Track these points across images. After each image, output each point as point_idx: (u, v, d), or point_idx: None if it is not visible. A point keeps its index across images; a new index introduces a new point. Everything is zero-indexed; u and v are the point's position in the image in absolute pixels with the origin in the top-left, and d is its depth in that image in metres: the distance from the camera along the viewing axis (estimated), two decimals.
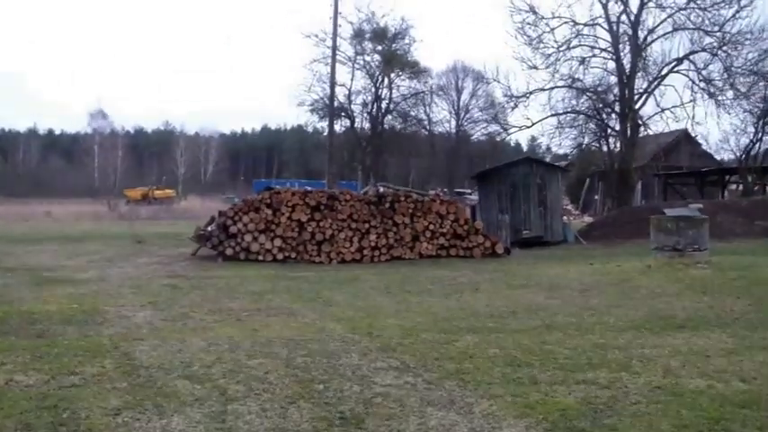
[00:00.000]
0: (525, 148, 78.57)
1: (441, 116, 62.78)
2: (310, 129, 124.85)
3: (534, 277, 15.77)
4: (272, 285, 14.45)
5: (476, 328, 9.84)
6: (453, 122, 68.04)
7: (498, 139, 43.89)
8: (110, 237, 27.65)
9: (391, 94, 37.17)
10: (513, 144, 66.10)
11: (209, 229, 20.27)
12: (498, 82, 35.21)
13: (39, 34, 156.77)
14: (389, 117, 38.15)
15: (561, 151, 40.46)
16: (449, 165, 63.50)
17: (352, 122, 37.52)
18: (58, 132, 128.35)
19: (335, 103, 35.07)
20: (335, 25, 34.01)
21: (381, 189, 21.03)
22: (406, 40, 38.08)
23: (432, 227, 20.25)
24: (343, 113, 37.53)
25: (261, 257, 19.09)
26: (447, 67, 64.02)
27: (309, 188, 20.46)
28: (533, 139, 72.00)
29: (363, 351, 8.32)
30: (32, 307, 11.16)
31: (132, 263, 18.80)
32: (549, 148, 49.49)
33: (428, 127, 55.74)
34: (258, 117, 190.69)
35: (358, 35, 36.90)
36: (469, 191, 45.92)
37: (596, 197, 50.69)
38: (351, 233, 19.57)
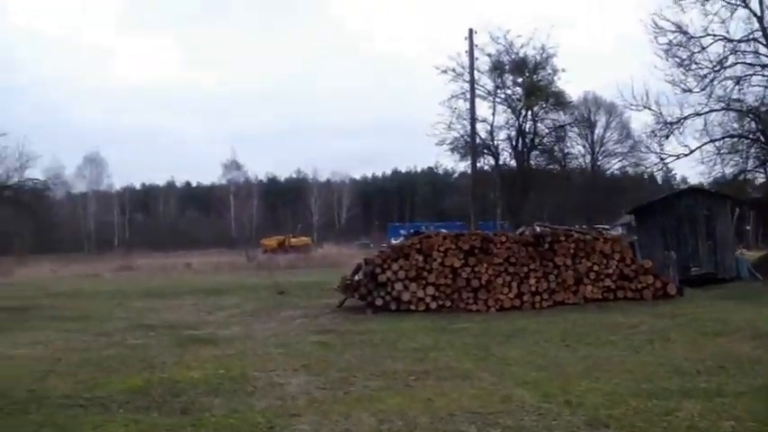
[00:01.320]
0: (660, 181, 74.71)
1: (575, 150, 59.94)
2: (441, 170, 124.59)
3: (729, 322, 13.86)
4: (433, 340, 12.99)
5: (688, 390, 8.21)
6: (588, 157, 65.51)
7: (656, 170, 40.15)
8: (249, 288, 26.82)
9: (535, 128, 34.99)
10: (645, 177, 62.58)
11: (355, 278, 18.97)
12: (649, 109, 32.64)
13: (169, 91, 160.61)
14: (535, 152, 35.97)
15: (706, 180, 37.09)
16: (584, 200, 61.04)
17: (497, 159, 35.53)
18: (194, 184, 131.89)
19: (477, 140, 33.35)
20: (472, 58, 32.52)
21: (538, 229, 19.34)
22: (548, 70, 35.97)
23: (596, 268, 18.40)
24: (485, 150, 35.63)
25: (413, 307, 17.66)
26: (578, 98, 61.20)
27: (462, 232, 18.88)
28: (668, 170, 68.10)
29: (569, 428, 6.79)
30: (176, 373, 10.03)
31: (276, 317, 17.72)
32: (684, 179, 45.72)
33: (563, 162, 53.32)
34: (389, 160, 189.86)
35: (497, 67, 35.05)
36: (608, 227, 43.49)
37: (747, 227, 47.41)
38: (509, 278, 17.94)
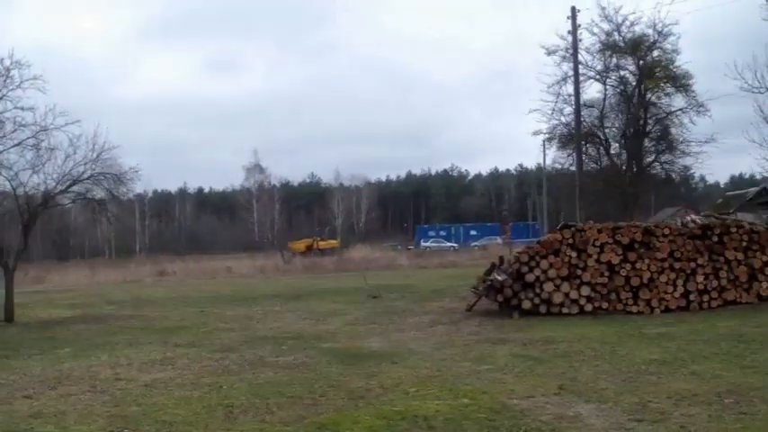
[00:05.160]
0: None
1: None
2: (455, 173, 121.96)
3: None
4: (660, 350, 10.48)
5: None
6: None
7: None
8: (334, 292, 24.30)
9: (646, 115, 31.65)
10: None
11: (494, 277, 16.45)
12: None
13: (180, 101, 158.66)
14: (646, 141, 32.51)
15: None
16: None
17: (607, 149, 32.09)
18: (206, 190, 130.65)
19: (583, 128, 30.46)
20: (575, 39, 29.74)
21: (699, 219, 16.89)
22: (667, 47, 32.14)
23: None
24: (594, 139, 32.34)
25: (565, 310, 15.21)
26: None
27: (620, 224, 16.27)
28: None
29: None
30: (406, 406, 7.46)
31: (406, 324, 15.26)
32: None
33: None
34: (403, 164, 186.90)
35: (608, 47, 31.85)
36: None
37: None
38: (673, 275, 15.42)
